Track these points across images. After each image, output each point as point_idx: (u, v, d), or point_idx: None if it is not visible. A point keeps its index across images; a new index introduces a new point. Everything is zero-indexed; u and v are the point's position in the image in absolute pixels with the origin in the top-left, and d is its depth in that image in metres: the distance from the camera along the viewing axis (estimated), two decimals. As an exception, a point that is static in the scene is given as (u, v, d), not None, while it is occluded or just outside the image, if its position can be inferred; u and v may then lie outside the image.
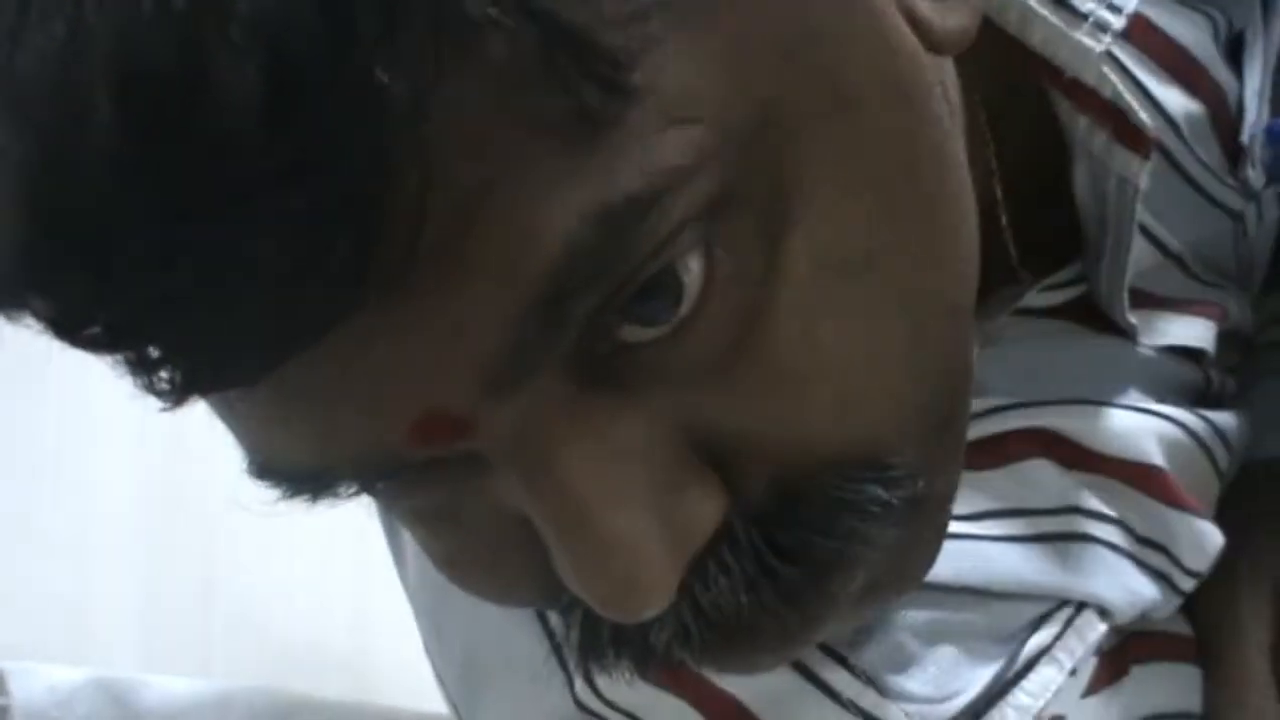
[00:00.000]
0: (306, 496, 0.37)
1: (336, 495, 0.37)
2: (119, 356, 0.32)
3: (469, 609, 0.55)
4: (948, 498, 0.42)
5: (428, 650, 0.60)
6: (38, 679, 0.65)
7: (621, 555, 0.35)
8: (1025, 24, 0.48)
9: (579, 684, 0.51)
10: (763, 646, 0.40)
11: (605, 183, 0.31)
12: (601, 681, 0.50)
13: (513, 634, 0.53)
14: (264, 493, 0.37)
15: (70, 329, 0.31)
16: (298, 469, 0.36)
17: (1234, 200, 0.57)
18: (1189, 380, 0.56)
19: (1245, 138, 0.56)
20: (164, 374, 0.32)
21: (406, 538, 0.58)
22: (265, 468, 0.36)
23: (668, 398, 0.35)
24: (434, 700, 0.71)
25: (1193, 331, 0.55)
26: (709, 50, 0.33)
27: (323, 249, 0.30)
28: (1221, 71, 0.54)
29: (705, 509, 0.36)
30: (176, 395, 0.32)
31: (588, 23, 0.31)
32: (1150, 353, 0.54)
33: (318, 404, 0.33)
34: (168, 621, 1.09)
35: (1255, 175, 0.57)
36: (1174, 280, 0.56)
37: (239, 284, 0.30)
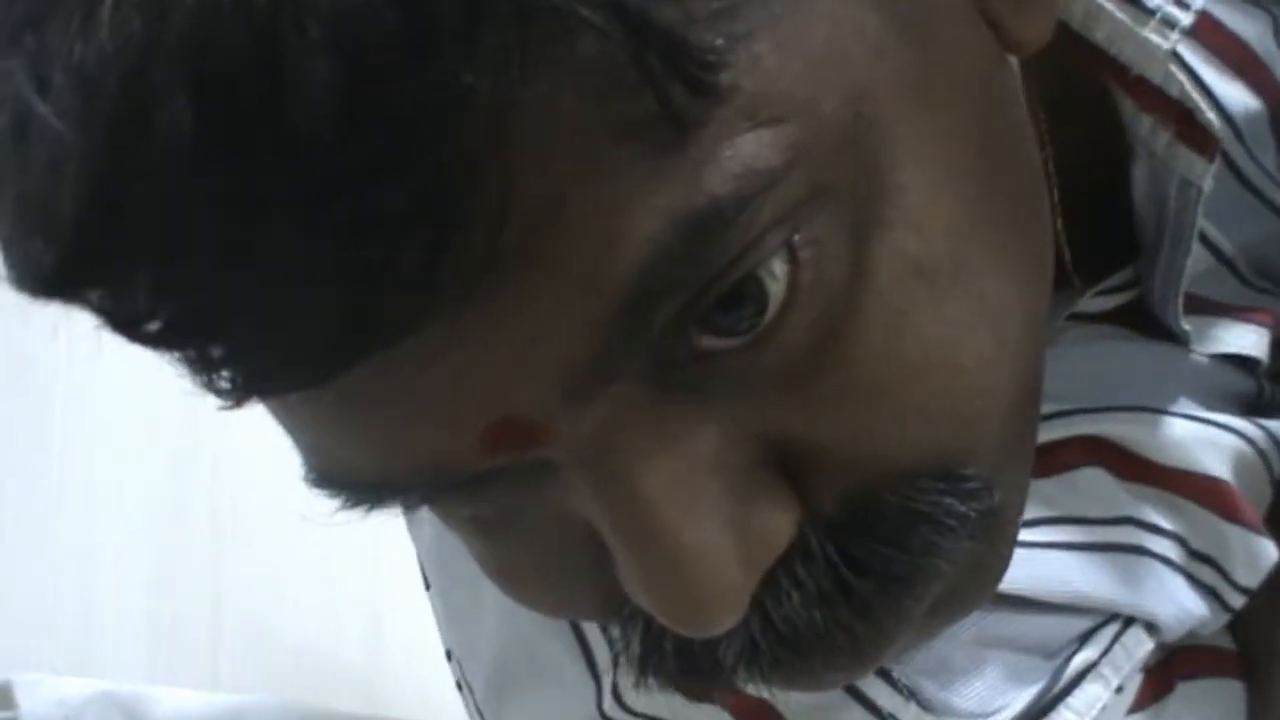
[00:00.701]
0: (366, 506, 0.36)
1: (397, 505, 0.36)
2: (179, 354, 0.31)
3: (501, 615, 0.54)
4: (1019, 509, 0.40)
5: (452, 657, 0.59)
6: (46, 690, 0.64)
7: (695, 570, 0.34)
8: (1090, 20, 0.47)
9: (608, 699, 0.50)
10: (834, 663, 0.38)
11: (692, 186, 0.30)
12: (628, 691, 0.49)
13: (544, 642, 0.52)
14: (323, 504, 0.36)
15: (130, 324, 0.30)
16: (360, 478, 0.35)
17: None
18: (1242, 389, 0.55)
19: None
20: (226, 374, 0.31)
21: (427, 535, 0.57)
22: (325, 476, 0.35)
23: (744, 407, 0.34)
24: (446, 713, 0.70)
25: (1247, 340, 0.54)
26: (798, 46, 0.32)
27: (398, 253, 0.29)
28: None
29: (779, 522, 0.35)
30: (238, 395, 0.31)
31: (677, 20, 0.30)
32: (1203, 360, 0.53)
33: (386, 411, 0.32)
34: (176, 632, 1.08)
35: None
36: (1227, 285, 0.55)
37: (308, 286, 0.29)
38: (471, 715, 0.58)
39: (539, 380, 0.32)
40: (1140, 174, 0.50)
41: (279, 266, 0.29)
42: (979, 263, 0.35)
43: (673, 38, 0.29)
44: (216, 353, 0.30)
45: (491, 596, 0.54)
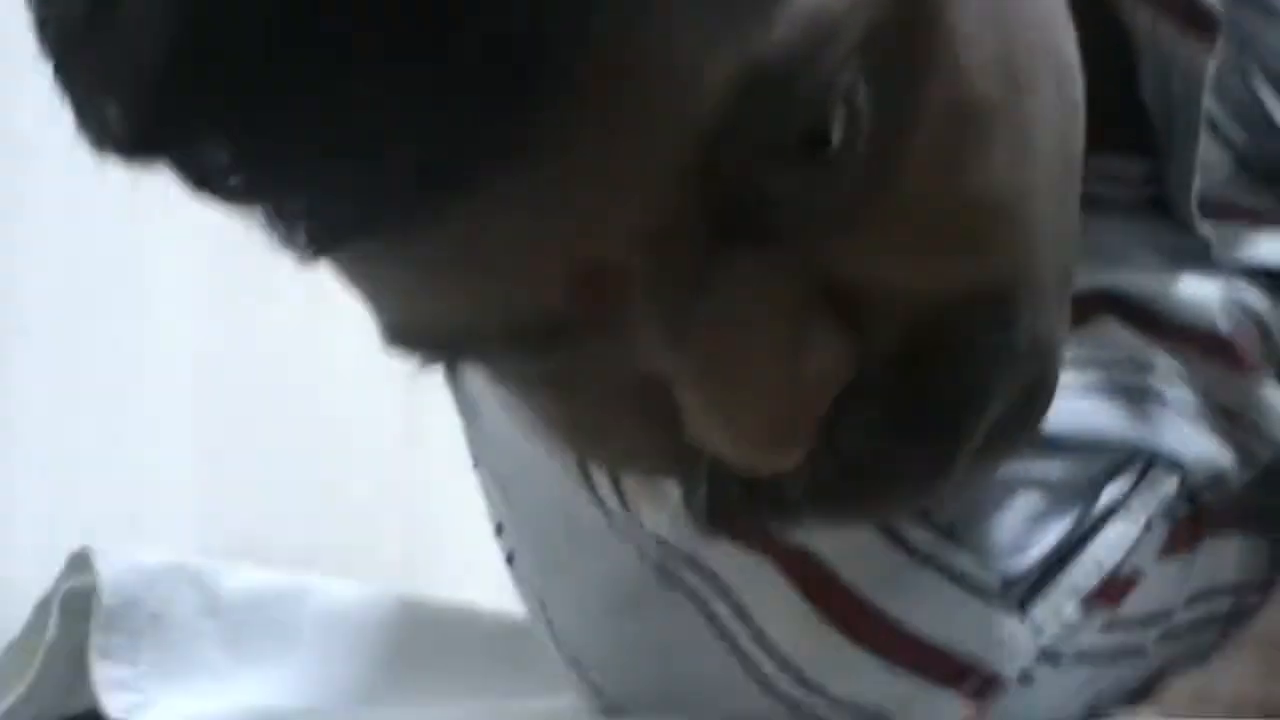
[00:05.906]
0: (442, 362, 0.37)
1: (476, 359, 0.37)
2: (261, 208, 0.32)
3: (538, 490, 0.55)
4: (1062, 344, 0.42)
5: (501, 531, 0.59)
6: (122, 559, 0.66)
7: (764, 403, 0.35)
8: None
9: (652, 548, 0.51)
10: (897, 491, 0.40)
11: (763, 32, 0.32)
12: (673, 536, 0.50)
13: (576, 508, 0.53)
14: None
15: (212, 180, 0.31)
16: (440, 332, 0.36)
17: None
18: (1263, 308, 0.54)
19: None
20: (308, 226, 0.32)
21: (477, 409, 0.57)
22: (403, 332, 0.36)
23: (807, 246, 0.36)
24: (484, 591, 0.70)
25: None
26: None
27: (480, 97, 0.30)
28: None
29: (842, 355, 0.36)
30: (322, 247, 0.32)
31: None
32: (1228, 269, 0.53)
33: (473, 259, 0.33)
34: (224, 507, 1.09)
35: None
36: (1260, 195, 0.54)
37: (396, 127, 0.30)
38: (521, 586, 0.59)
39: (619, 226, 0.33)
40: (1146, 72, 0.51)
41: (366, 110, 0.30)
42: (1026, 105, 0.37)
43: None
44: (299, 204, 0.31)
45: (539, 470, 0.53)
